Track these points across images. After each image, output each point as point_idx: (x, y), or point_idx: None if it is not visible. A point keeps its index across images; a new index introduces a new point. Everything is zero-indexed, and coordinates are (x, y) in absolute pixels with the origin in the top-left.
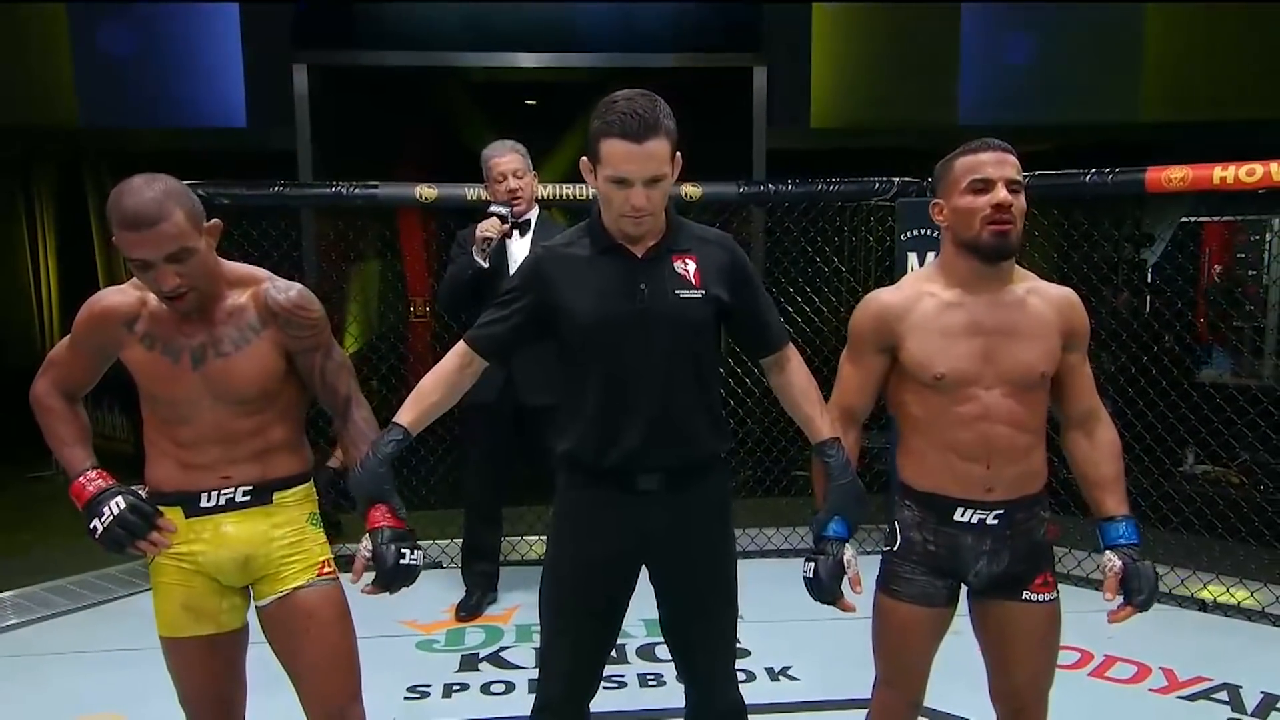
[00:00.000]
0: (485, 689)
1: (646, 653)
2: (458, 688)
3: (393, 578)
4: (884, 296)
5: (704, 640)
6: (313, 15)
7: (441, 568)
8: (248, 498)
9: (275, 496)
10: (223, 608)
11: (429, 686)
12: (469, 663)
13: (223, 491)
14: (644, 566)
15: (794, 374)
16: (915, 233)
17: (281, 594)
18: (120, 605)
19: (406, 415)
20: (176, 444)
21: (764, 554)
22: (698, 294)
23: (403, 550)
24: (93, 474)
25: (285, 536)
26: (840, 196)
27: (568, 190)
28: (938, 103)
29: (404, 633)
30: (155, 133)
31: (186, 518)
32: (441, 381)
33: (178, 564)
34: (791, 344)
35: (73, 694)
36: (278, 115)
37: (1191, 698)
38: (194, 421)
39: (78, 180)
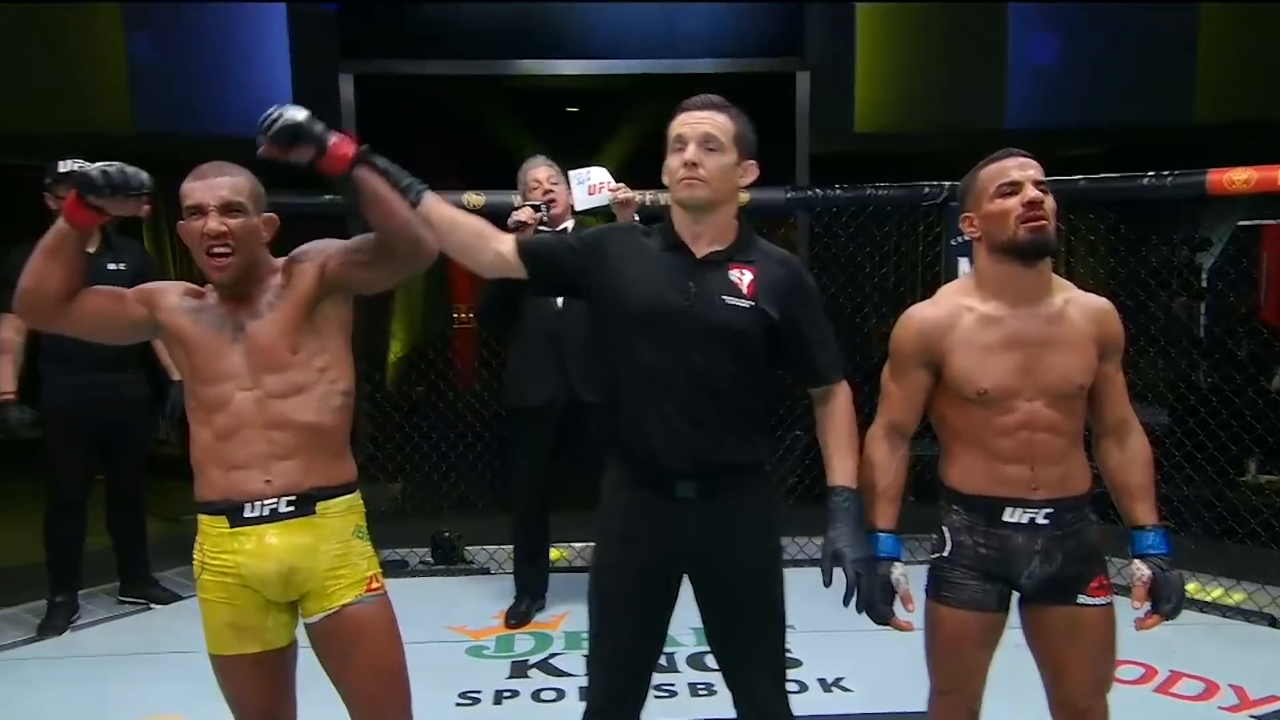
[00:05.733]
0: (536, 696)
1: (697, 661)
2: (509, 695)
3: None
4: (924, 313)
5: (748, 652)
6: (359, 24)
7: (489, 574)
8: (291, 508)
9: (319, 507)
10: (268, 625)
11: (480, 693)
12: (519, 669)
13: (265, 501)
14: (687, 575)
15: (835, 414)
16: (965, 238)
17: (330, 611)
18: (184, 606)
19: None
20: (216, 434)
21: (815, 562)
22: (745, 304)
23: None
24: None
25: (331, 550)
26: (889, 201)
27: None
28: (984, 105)
29: (454, 638)
30: (205, 140)
31: (231, 528)
32: (474, 227)
33: (221, 578)
34: (844, 384)
35: (137, 694)
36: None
37: (1264, 718)
38: (233, 402)
39: None
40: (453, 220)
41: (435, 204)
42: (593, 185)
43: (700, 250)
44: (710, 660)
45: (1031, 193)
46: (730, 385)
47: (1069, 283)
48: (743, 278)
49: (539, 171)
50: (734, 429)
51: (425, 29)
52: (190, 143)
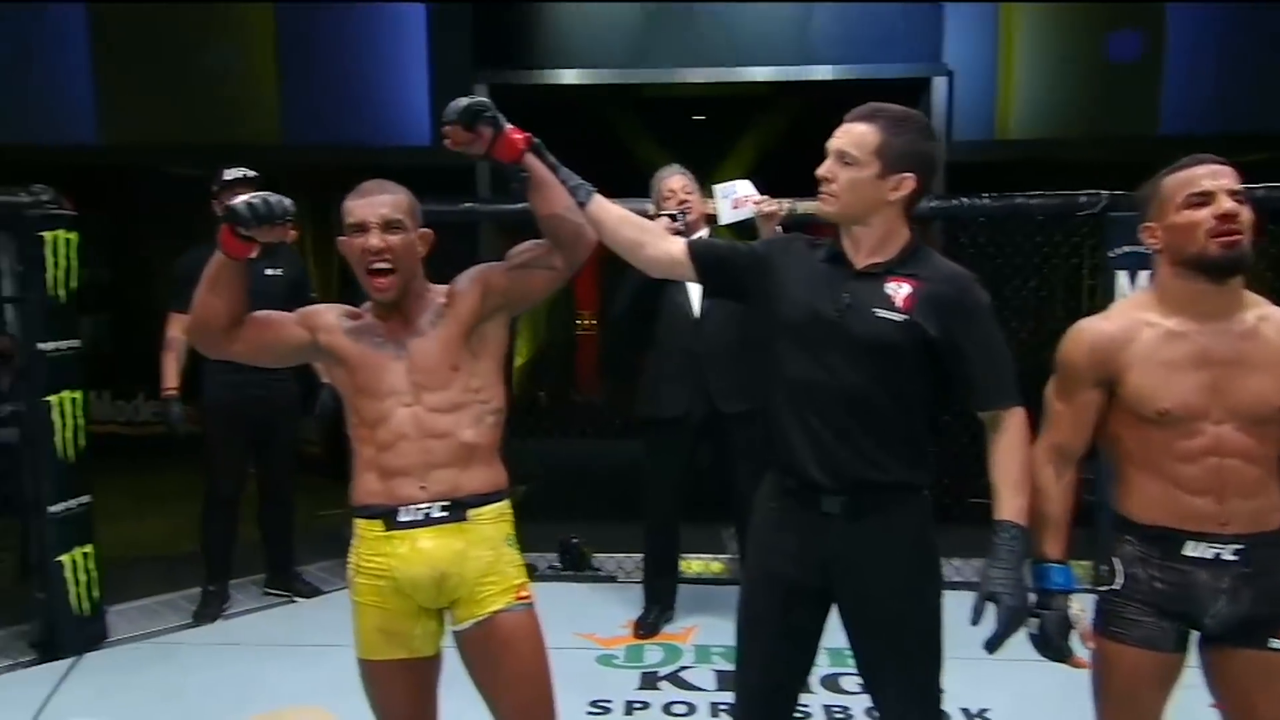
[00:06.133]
0: (667, 709)
1: (831, 683)
2: (639, 706)
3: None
4: (1098, 326)
5: (895, 681)
6: (492, 37)
7: (616, 582)
8: (444, 513)
9: (470, 514)
10: (417, 633)
11: (610, 703)
12: (649, 681)
13: (419, 506)
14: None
15: (1005, 443)
16: (1126, 249)
17: (480, 619)
18: (325, 600)
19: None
20: (377, 446)
21: (961, 586)
22: (899, 318)
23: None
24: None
25: (482, 557)
26: (1042, 211)
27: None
28: (1136, 110)
29: (583, 645)
30: (348, 150)
31: (386, 531)
32: (643, 225)
33: (374, 582)
34: (1018, 411)
35: (281, 684)
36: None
37: None
38: (394, 417)
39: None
40: (622, 218)
41: (603, 203)
42: (738, 198)
43: (860, 261)
44: (846, 683)
45: (1226, 204)
46: (881, 402)
47: (1262, 298)
48: (899, 291)
49: (673, 181)
50: (885, 447)
51: (556, 40)
52: (334, 152)
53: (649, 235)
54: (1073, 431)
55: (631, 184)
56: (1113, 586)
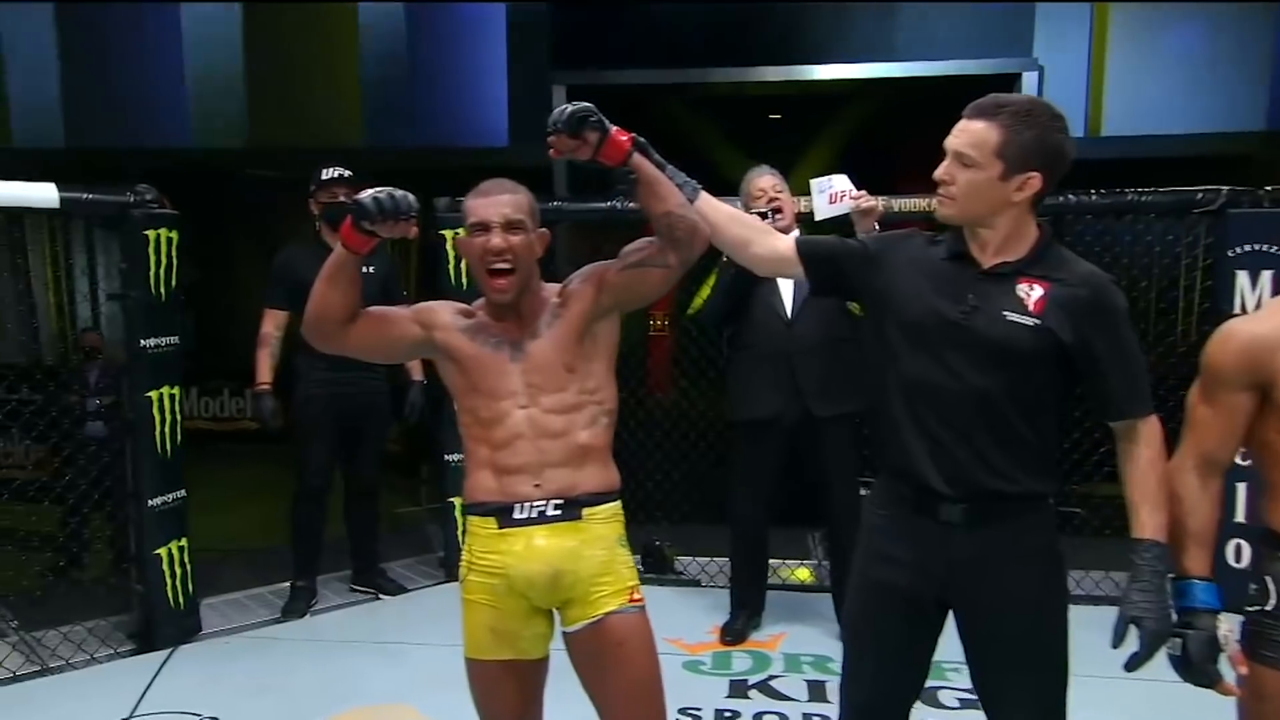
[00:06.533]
0: (757, 719)
1: (930, 698)
2: (729, 715)
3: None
4: (1250, 327)
5: (1018, 699)
6: (569, 37)
7: (699, 586)
8: (558, 511)
9: (585, 513)
10: (525, 634)
11: (700, 710)
12: (738, 689)
13: (534, 503)
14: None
15: (1141, 456)
16: (1246, 248)
17: (593, 620)
18: (410, 599)
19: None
20: (492, 445)
21: (1088, 599)
22: (1030, 322)
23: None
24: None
25: (596, 556)
26: (1153, 208)
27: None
28: (1240, 105)
29: (669, 650)
30: (427, 151)
31: (500, 528)
32: (751, 222)
33: (488, 579)
34: (1153, 420)
35: (368, 681)
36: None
37: None
38: (509, 418)
39: None
40: (730, 215)
41: (710, 201)
42: (834, 193)
43: (986, 261)
44: (944, 697)
45: None
46: (1008, 408)
47: None
48: (1031, 293)
49: (764, 180)
50: (1009, 455)
51: (632, 40)
52: (414, 154)
53: (756, 232)
54: (1220, 439)
55: (709, 185)
56: (1263, 607)
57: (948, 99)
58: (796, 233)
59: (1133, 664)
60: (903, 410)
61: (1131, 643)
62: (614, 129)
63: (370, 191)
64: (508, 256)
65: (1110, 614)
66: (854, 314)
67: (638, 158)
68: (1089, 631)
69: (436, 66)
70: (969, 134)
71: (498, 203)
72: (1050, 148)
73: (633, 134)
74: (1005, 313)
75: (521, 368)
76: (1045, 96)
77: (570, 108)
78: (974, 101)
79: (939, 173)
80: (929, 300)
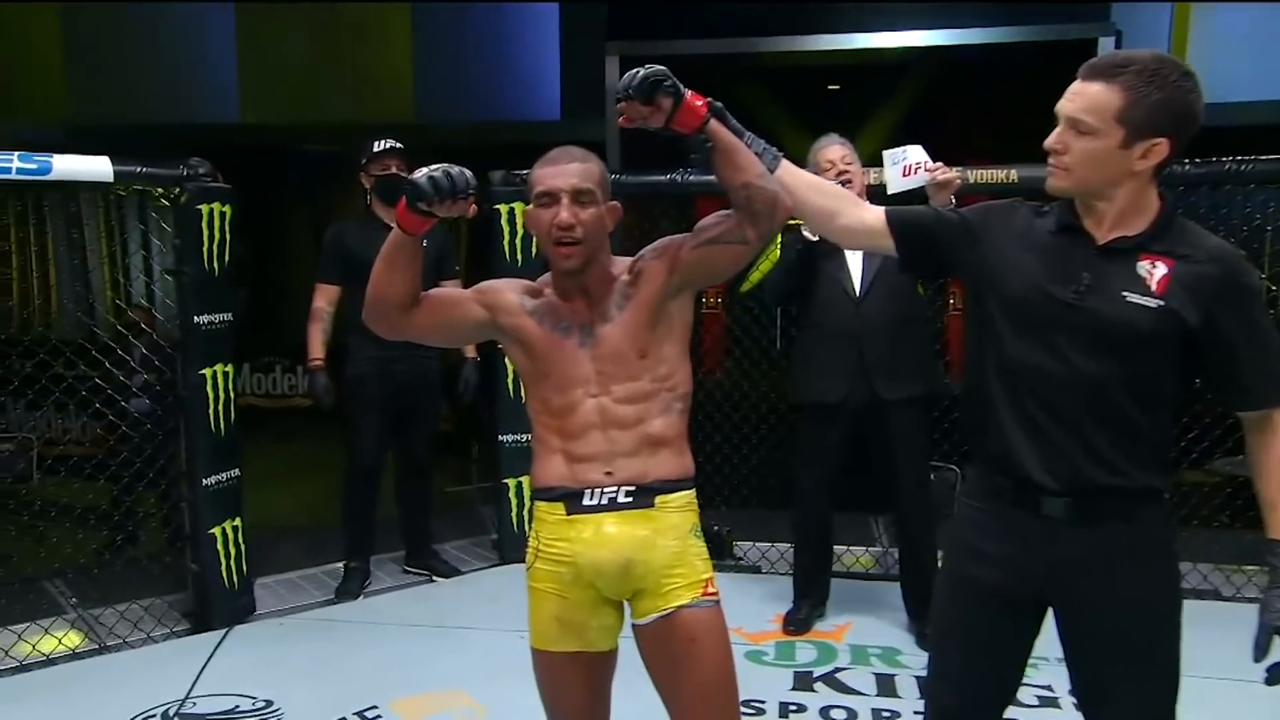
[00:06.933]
0: (824, 714)
1: None
2: (794, 708)
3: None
4: None
5: (1125, 703)
6: (625, 7)
7: (760, 573)
8: (630, 498)
9: (657, 500)
10: (593, 625)
11: (764, 703)
12: (803, 681)
13: (605, 490)
14: (1050, 606)
15: (1275, 449)
16: None
17: (665, 612)
18: (464, 581)
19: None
20: (563, 435)
21: (1201, 595)
22: (1153, 303)
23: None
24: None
25: (668, 546)
26: (1255, 178)
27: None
28: None
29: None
30: (478, 126)
31: (568, 514)
32: (838, 191)
33: (555, 568)
34: None
35: (424, 665)
36: (590, 107)
37: None
38: (581, 408)
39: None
40: (814, 184)
41: (793, 170)
42: (908, 165)
43: (1102, 235)
44: (1023, 694)
45: None
46: (1122, 397)
47: None
48: (1154, 271)
49: (832, 151)
50: (1121, 447)
51: (688, 8)
52: (465, 130)
53: (843, 202)
54: None
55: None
56: None
57: (1018, 67)
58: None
59: (1274, 671)
60: (1003, 396)
61: (1276, 653)
62: (689, 93)
63: (425, 170)
64: (575, 231)
65: (1198, 609)
66: (921, 293)
67: (715, 124)
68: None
69: (487, 42)
70: (1085, 97)
71: (565, 172)
72: (1179, 110)
73: (708, 98)
74: (1124, 293)
75: (591, 354)
76: None
77: (642, 71)
78: (1090, 60)
79: (1051, 141)
80: (1037, 278)
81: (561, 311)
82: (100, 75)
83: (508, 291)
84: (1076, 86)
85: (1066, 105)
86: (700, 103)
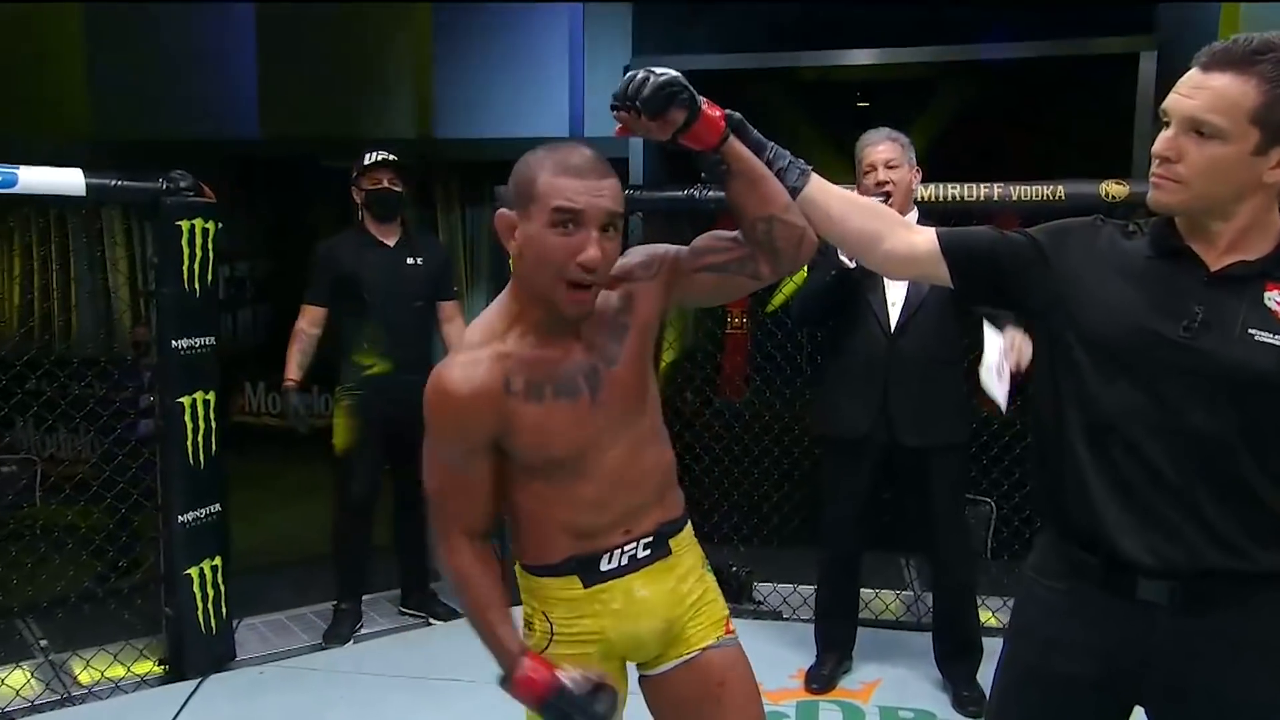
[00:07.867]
0: None
1: None
2: None
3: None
4: None
5: None
6: (648, 22)
7: (781, 619)
8: (649, 551)
9: (671, 544)
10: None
11: None
12: None
13: (625, 549)
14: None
15: None
16: None
17: (688, 657)
18: (463, 625)
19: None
20: (575, 508)
21: None
22: None
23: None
24: (528, 661)
25: (692, 590)
26: None
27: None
28: None
29: None
30: (495, 142)
31: (586, 588)
32: (878, 210)
33: (579, 650)
34: None
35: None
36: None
37: None
38: (597, 472)
39: (426, 191)
40: (849, 203)
41: (824, 186)
42: (998, 365)
43: (1215, 260)
44: None
45: None
46: (1243, 457)
47: None
48: None
49: (878, 151)
50: (1240, 520)
51: (712, 24)
52: (483, 146)
53: (886, 224)
54: None
55: None
56: None
57: (1050, 82)
58: (914, 215)
59: None
60: (1088, 455)
61: None
62: (705, 103)
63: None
64: (599, 272)
65: None
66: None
67: (734, 143)
68: None
69: (507, 55)
70: (1210, 92)
71: (598, 190)
72: None
73: (725, 110)
74: (1252, 331)
75: (602, 407)
76: (1166, 75)
77: (652, 78)
78: (1210, 46)
79: (1160, 147)
80: (1134, 312)
81: (555, 364)
82: (123, 90)
83: (490, 396)
84: (1195, 78)
85: (1184, 103)
86: (718, 114)
